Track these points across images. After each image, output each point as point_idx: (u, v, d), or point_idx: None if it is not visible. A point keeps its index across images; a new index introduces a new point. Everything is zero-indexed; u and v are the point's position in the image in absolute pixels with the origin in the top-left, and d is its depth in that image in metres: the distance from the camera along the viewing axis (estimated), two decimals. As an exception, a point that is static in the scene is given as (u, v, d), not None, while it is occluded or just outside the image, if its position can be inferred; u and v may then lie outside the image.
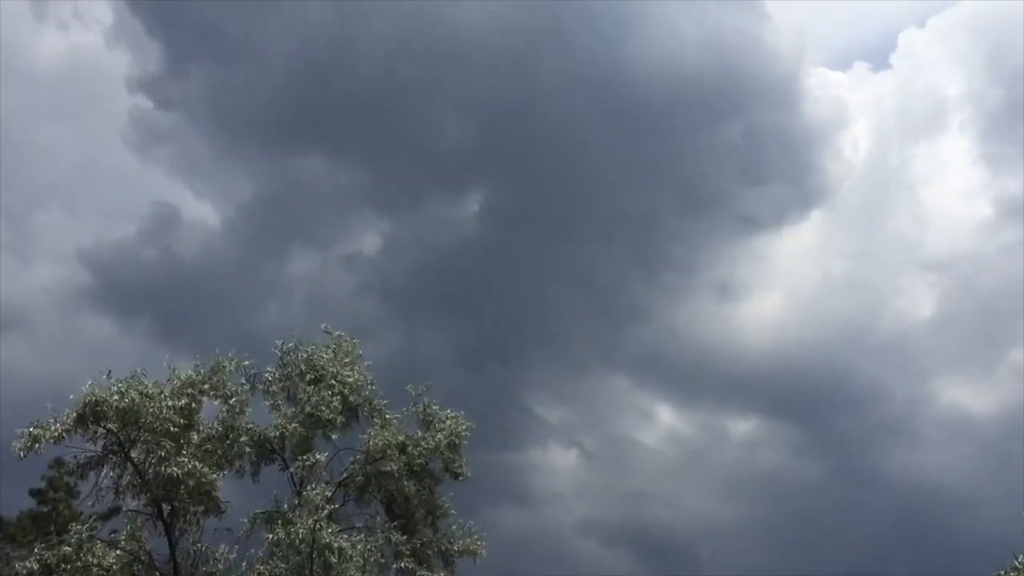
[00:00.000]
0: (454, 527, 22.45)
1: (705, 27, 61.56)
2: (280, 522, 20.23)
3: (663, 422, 62.13)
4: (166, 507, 21.21)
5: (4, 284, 53.17)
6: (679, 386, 62.48)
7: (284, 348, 22.71)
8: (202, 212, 64.47)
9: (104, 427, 20.68)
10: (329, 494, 20.83)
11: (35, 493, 33.83)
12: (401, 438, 22.06)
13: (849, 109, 73.96)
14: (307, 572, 19.89)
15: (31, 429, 20.17)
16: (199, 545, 21.38)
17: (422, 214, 63.70)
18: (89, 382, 20.63)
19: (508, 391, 54.01)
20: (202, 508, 21.39)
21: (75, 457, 21.42)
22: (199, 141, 62.41)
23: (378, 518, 21.90)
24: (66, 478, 31.82)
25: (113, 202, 63.66)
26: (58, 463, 30.44)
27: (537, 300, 59.99)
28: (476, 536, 22.39)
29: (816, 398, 58.86)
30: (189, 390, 21.61)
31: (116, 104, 62.54)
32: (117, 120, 62.19)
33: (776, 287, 66.90)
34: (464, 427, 22.79)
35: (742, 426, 61.77)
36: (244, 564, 20.91)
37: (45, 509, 33.68)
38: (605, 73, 60.21)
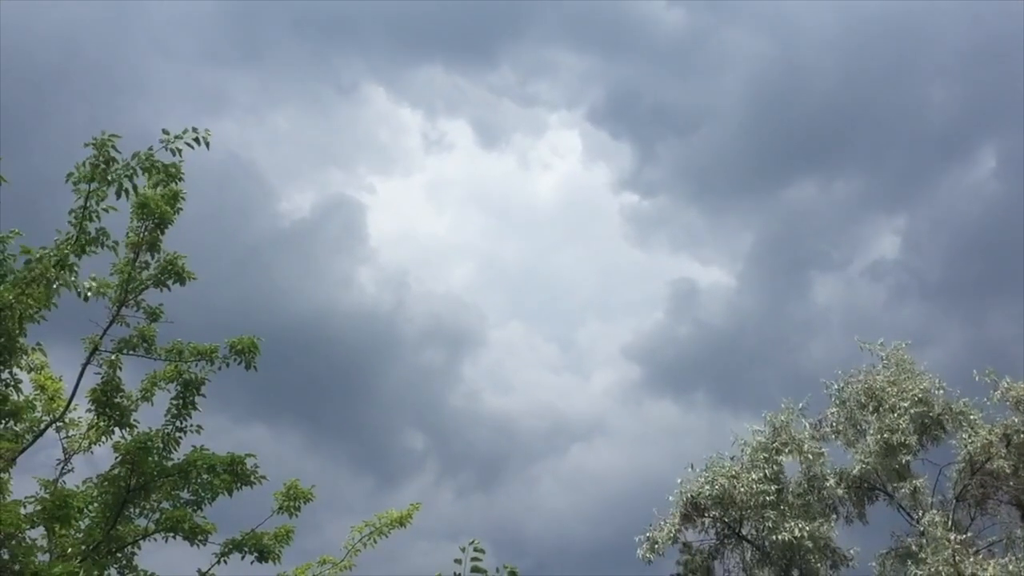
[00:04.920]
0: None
1: None
2: (911, 561, 19.29)
3: None
4: (795, 573, 21.46)
5: (576, 400, 59.48)
6: None
7: (837, 386, 22.11)
8: (714, 276, 66.09)
9: (709, 516, 21.76)
10: (947, 518, 19.46)
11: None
12: (998, 431, 20.00)
13: None
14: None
15: (648, 534, 21.80)
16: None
17: (935, 195, 58.84)
18: (679, 479, 21.98)
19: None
20: (829, 563, 21.32)
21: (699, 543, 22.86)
22: (688, 212, 65.28)
23: (1016, 527, 19.88)
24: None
25: (636, 295, 68.38)
26: (686, 547, 32.64)
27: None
28: None
29: None
30: (764, 454, 21.93)
31: (609, 210, 67.75)
32: (614, 223, 67.53)
33: None
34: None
35: None
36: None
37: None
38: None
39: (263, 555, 10.59)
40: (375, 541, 12.08)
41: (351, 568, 11.81)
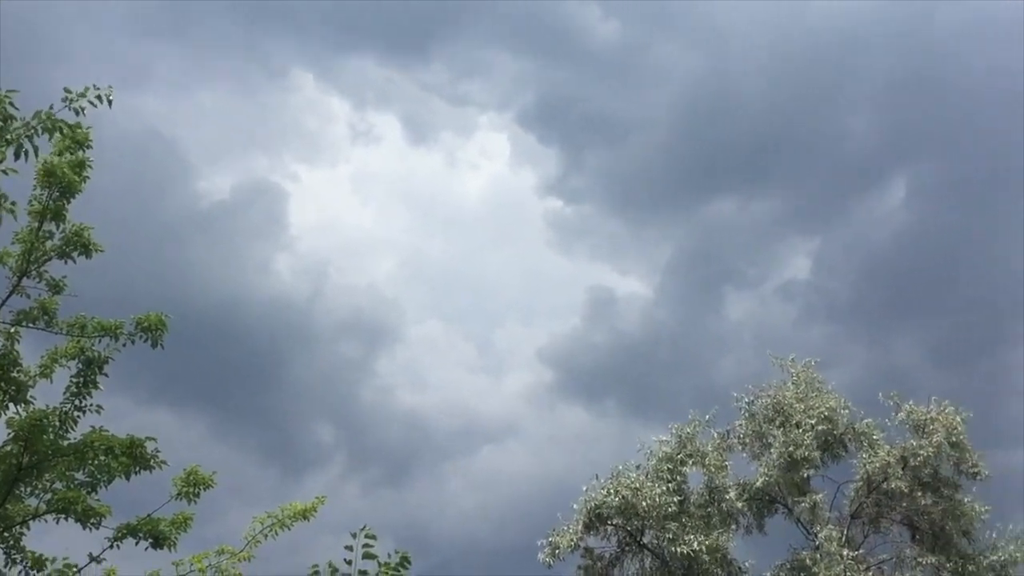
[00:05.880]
0: (993, 535, 20.45)
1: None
2: (804, 574, 19.83)
3: None
4: (693, 583, 21.82)
5: (488, 400, 59.55)
6: None
7: (747, 399, 22.64)
8: (632, 286, 67.11)
9: (611, 524, 21.98)
10: (842, 534, 20.06)
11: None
12: (896, 452, 20.69)
13: None
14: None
15: (550, 539, 21.89)
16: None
17: (847, 220, 60.60)
18: (584, 488, 22.13)
19: (1008, 381, 47.67)
20: (725, 573, 21.73)
21: (600, 550, 23.04)
22: (611, 221, 65.94)
23: (906, 547, 20.62)
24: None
25: (554, 300, 68.87)
26: (588, 552, 32.98)
27: (1007, 269, 52.94)
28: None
29: None
30: (668, 465, 22.25)
31: (532, 214, 68.23)
32: (537, 228, 68.02)
33: None
34: (959, 417, 20.91)
35: None
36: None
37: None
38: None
39: (158, 541, 10.32)
40: (276, 533, 11.86)
41: (250, 559, 11.57)
